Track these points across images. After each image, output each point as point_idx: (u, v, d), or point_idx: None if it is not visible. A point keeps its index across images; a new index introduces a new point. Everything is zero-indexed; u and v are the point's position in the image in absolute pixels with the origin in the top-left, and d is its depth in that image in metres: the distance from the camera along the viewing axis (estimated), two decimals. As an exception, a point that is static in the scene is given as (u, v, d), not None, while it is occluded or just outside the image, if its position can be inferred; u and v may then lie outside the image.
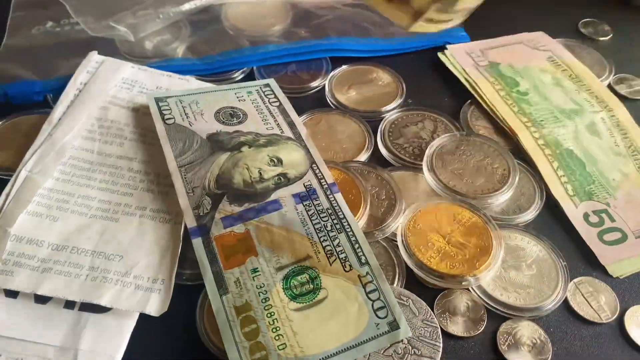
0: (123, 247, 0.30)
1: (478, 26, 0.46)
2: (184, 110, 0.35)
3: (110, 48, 0.42)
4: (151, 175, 0.33)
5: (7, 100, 0.39)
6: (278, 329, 0.27)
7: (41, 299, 0.29)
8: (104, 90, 0.37)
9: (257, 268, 0.29)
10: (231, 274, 0.29)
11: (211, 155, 0.33)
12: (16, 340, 0.27)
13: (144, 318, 0.28)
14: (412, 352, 0.28)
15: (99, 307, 0.28)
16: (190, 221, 0.30)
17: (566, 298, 0.31)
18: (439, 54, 0.44)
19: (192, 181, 0.32)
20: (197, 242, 0.30)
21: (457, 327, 0.30)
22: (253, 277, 0.29)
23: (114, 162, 0.34)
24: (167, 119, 0.35)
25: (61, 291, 0.28)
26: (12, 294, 0.29)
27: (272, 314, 0.28)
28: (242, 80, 0.41)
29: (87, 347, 0.27)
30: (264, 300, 0.28)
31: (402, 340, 0.28)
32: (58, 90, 0.38)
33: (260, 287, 0.29)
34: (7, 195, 0.31)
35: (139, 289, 0.29)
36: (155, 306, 0.28)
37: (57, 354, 0.27)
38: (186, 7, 0.44)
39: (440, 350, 0.28)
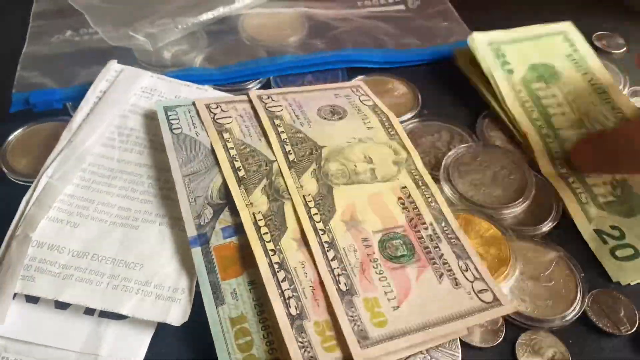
0: (143, 255, 0.31)
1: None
2: (192, 120, 0.35)
3: (128, 57, 0.42)
4: (170, 183, 0.33)
5: (29, 107, 0.39)
6: (272, 342, 0.27)
7: (61, 305, 0.29)
8: (123, 98, 0.38)
9: (254, 280, 0.29)
10: (228, 285, 0.29)
11: (214, 165, 0.33)
12: (36, 345, 0.28)
13: (163, 325, 0.28)
14: (432, 362, 0.28)
15: (118, 314, 0.28)
16: (190, 230, 0.31)
17: (585, 310, 0.31)
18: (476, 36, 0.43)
19: (195, 190, 0.32)
20: (196, 251, 0.30)
21: (475, 338, 0.29)
22: (250, 289, 0.29)
23: (133, 169, 0.34)
24: (174, 129, 0.35)
25: (83, 299, 0.28)
26: (33, 299, 0.29)
27: (267, 327, 0.28)
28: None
29: (107, 353, 0.28)
30: (259, 313, 0.28)
31: (420, 352, 0.28)
32: (77, 98, 0.38)
33: (257, 299, 0.29)
34: (28, 201, 0.32)
35: (160, 299, 0.29)
36: (176, 316, 0.28)
37: (77, 359, 0.27)
38: (204, 17, 0.44)
39: (460, 360, 0.28)
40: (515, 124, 0.40)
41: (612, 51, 0.47)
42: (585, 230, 0.35)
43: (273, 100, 0.38)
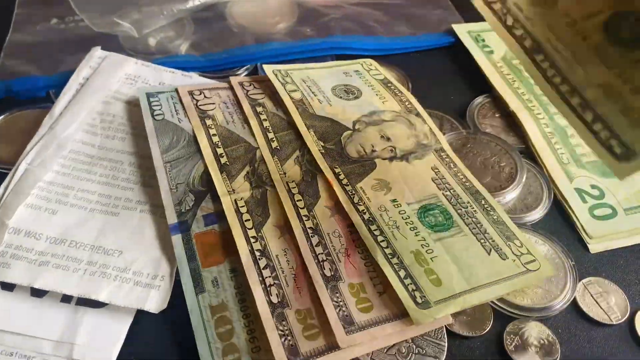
0: (123, 242, 0.30)
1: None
2: (174, 107, 0.35)
3: (114, 44, 0.42)
4: (152, 170, 0.32)
5: (11, 95, 0.39)
6: (253, 331, 0.27)
7: (37, 293, 0.28)
8: (106, 85, 0.37)
9: (235, 268, 0.29)
10: (209, 272, 0.28)
11: (197, 152, 0.33)
12: (11, 333, 0.27)
13: (142, 313, 0.28)
14: (417, 351, 0.27)
15: (96, 302, 0.28)
16: (170, 217, 0.30)
17: (575, 298, 0.30)
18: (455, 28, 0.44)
19: (176, 177, 0.32)
20: (177, 239, 0.29)
21: (462, 327, 0.29)
22: (231, 277, 0.28)
23: (115, 156, 0.34)
24: (156, 115, 0.34)
25: (58, 285, 0.28)
26: (8, 286, 0.28)
27: (249, 315, 0.27)
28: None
29: (83, 342, 0.27)
30: (240, 301, 0.28)
31: (406, 340, 0.28)
32: (61, 85, 0.37)
33: (239, 287, 0.28)
34: (6, 187, 0.31)
35: (138, 285, 0.28)
36: (154, 303, 0.28)
37: (53, 348, 0.27)
38: (190, 4, 0.44)
39: (445, 349, 0.28)
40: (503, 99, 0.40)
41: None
42: (566, 189, 0.34)
43: (255, 87, 0.37)
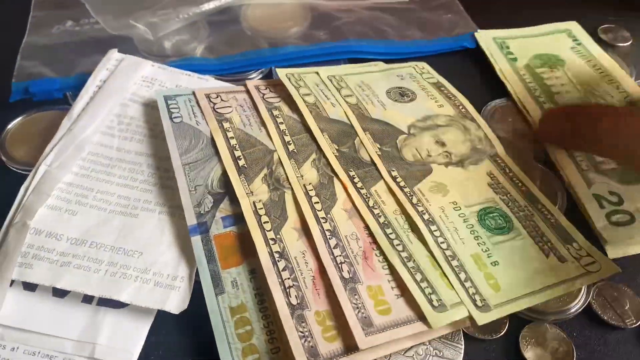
0: (142, 243, 0.30)
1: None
2: (192, 110, 0.35)
3: (129, 47, 0.42)
4: (170, 172, 0.33)
5: (29, 97, 0.39)
6: (272, 332, 0.27)
7: (59, 293, 0.28)
8: (123, 87, 0.37)
9: (254, 269, 0.29)
10: (228, 273, 0.29)
11: (215, 154, 0.33)
12: (34, 333, 0.27)
13: (162, 314, 0.28)
14: (434, 353, 0.28)
15: (117, 302, 0.28)
16: (190, 219, 0.30)
17: (590, 302, 0.30)
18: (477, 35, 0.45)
19: (195, 179, 0.32)
20: (196, 240, 0.30)
21: (478, 329, 0.29)
22: (250, 278, 0.29)
23: (133, 158, 0.34)
24: (174, 117, 0.35)
25: (80, 285, 0.28)
26: (30, 287, 0.28)
27: (268, 316, 0.28)
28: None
29: (105, 342, 0.27)
30: (260, 303, 0.28)
31: (424, 342, 0.28)
32: (77, 87, 0.38)
33: (258, 288, 0.28)
34: (27, 188, 0.31)
35: (159, 286, 0.29)
36: (174, 304, 0.28)
37: (75, 347, 0.27)
38: (205, 7, 0.44)
39: (462, 352, 0.28)
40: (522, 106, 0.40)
41: (618, 44, 0.47)
42: (584, 195, 0.34)
43: (271, 91, 0.37)
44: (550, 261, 0.30)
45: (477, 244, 0.31)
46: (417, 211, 0.31)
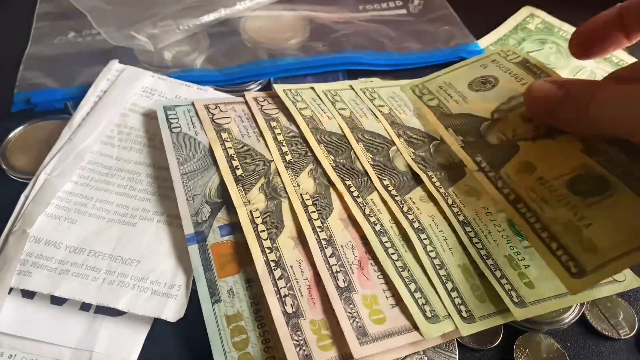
0: (140, 251, 0.31)
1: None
2: (191, 120, 0.35)
3: (130, 58, 0.43)
4: (169, 182, 0.33)
5: (30, 107, 0.39)
6: (268, 340, 0.27)
7: (57, 301, 0.29)
8: (123, 97, 0.38)
9: (251, 278, 0.29)
10: (225, 282, 0.29)
11: (213, 164, 0.34)
12: (31, 340, 0.27)
13: (159, 322, 0.28)
14: (428, 362, 0.28)
15: (114, 310, 0.28)
16: (187, 228, 0.31)
17: (584, 313, 0.31)
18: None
19: (193, 188, 0.32)
20: (193, 249, 0.30)
21: (473, 339, 0.29)
22: (246, 287, 0.29)
23: (132, 167, 0.34)
24: (173, 128, 0.35)
25: (78, 293, 0.28)
26: (29, 294, 0.29)
27: (264, 325, 0.28)
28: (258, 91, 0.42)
29: (102, 350, 0.27)
30: (255, 311, 0.28)
31: (418, 352, 0.28)
32: (78, 98, 0.38)
33: (254, 297, 0.29)
34: (27, 197, 0.32)
35: (156, 295, 0.29)
36: (171, 312, 0.28)
37: (72, 355, 0.27)
38: (205, 19, 0.45)
39: (456, 361, 0.28)
40: None
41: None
42: None
43: (269, 102, 0.38)
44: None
45: (465, 254, 0.31)
46: (408, 219, 0.32)
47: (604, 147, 0.32)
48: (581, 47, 0.34)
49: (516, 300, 0.29)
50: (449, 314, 0.28)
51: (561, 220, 0.30)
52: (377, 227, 0.31)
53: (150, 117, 0.37)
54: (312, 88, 0.39)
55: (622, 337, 0.30)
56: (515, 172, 0.34)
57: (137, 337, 0.28)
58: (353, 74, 0.43)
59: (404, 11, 0.50)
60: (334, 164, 0.34)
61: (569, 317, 0.30)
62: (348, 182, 0.33)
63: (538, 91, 0.34)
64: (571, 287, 0.28)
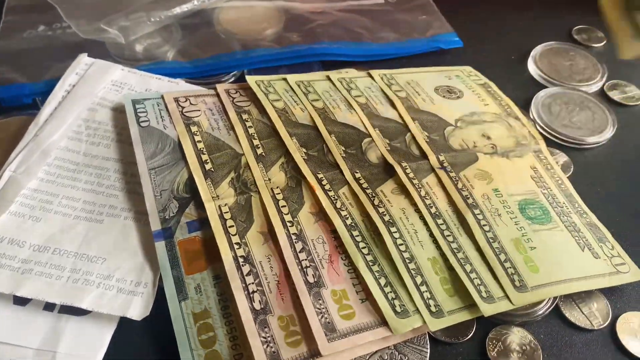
0: (106, 249, 0.30)
1: (471, 30, 0.46)
2: (160, 114, 0.35)
3: (101, 51, 0.42)
4: (137, 177, 0.32)
5: (-3, 102, 0.39)
6: (236, 338, 0.27)
7: (20, 301, 0.28)
8: (92, 91, 0.37)
9: (219, 274, 0.29)
10: (192, 279, 0.29)
11: (182, 159, 0.33)
12: (-7, 342, 0.27)
13: (126, 320, 0.28)
14: (399, 357, 0.28)
15: (79, 309, 0.27)
16: (154, 224, 0.30)
17: (557, 304, 0.30)
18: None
19: (160, 184, 0.32)
20: (160, 246, 0.29)
21: (445, 333, 0.29)
22: (214, 284, 0.28)
23: (100, 163, 0.34)
24: (141, 122, 0.34)
25: (41, 293, 0.28)
26: (-10, 295, 0.28)
27: (231, 322, 0.27)
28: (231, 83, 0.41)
29: (66, 351, 0.27)
30: (223, 308, 0.28)
31: (388, 347, 0.28)
32: (47, 92, 0.37)
33: (222, 294, 0.28)
34: (-10, 195, 0.31)
35: (122, 292, 0.28)
36: (137, 310, 0.28)
37: (35, 357, 0.27)
38: (177, 10, 0.44)
39: (427, 356, 0.28)
40: None
41: (592, 45, 0.47)
42: None
43: (241, 94, 0.37)
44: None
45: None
46: (378, 212, 0.31)
47: (548, 180, 0.35)
48: None
49: (484, 295, 0.28)
50: (417, 309, 0.28)
51: (511, 237, 0.31)
52: (348, 221, 0.31)
53: (119, 112, 0.36)
54: (285, 79, 0.38)
55: (596, 328, 0.30)
56: (473, 177, 0.34)
57: (102, 337, 0.28)
58: (328, 66, 0.43)
59: (381, 0, 0.49)
60: (306, 157, 0.34)
61: (543, 309, 0.30)
62: (320, 176, 0.33)
63: None
64: (514, 298, 0.28)
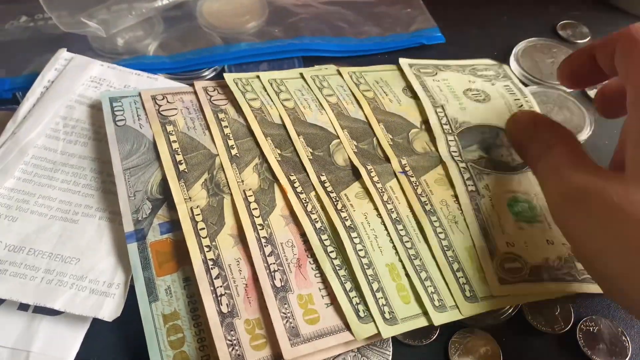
0: (81, 249, 0.31)
1: (454, 26, 0.46)
2: (137, 112, 0.35)
3: (83, 43, 0.42)
4: (113, 177, 0.33)
5: (-24, 97, 0.39)
6: (204, 339, 0.28)
7: (-5, 301, 0.29)
8: (70, 88, 0.37)
9: (189, 277, 0.29)
10: (163, 281, 0.29)
11: (157, 159, 0.33)
12: (-32, 341, 0.28)
13: (98, 320, 0.29)
14: (361, 360, 0.28)
15: (53, 309, 0.28)
16: (127, 225, 0.31)
17: (521, 308, 0.31)
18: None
19: (135, 185, 0.32)
20: (132, 247, 0.30)
21: (408, 336, 0.30)
22: (184, 286, 0.29)
23: (77, 162, 0.34)
24: (118, 121, 0.35)
25: (15, 294, 0.28)
26: (-35, 295, 0.29)
27: (200, 324, 0.28)
28: (210, 79, 0.41)
29: (39, 350, 0.28)
30: (192, 310, 0.28)
31: (351, 350, 0.29)
32: (27, 87, 0.37)
33: (191, 296, 0.29)
34: (-34, 195, 0.32)
35: (94, 293, 0.29)
36: (108, 311, 0.29)
37: (9, 355, 0.28)
38: (159, 3, 0.44)
39: (390, 358, 0.29)
40: None
41: (576, 41, 0.46)
42: None
43: (219, 92, 0.37)
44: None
45: (395, 253, 0.31)
46: (340, 217, 0.32)
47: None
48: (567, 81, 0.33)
49: (437, 304, 0.29)
50: (372, 315, 0.28)
51: (466, 245, 0.31)
52: (318, 225, 0.31)
53: (97, 109, 0.36)
54: (258, 77, 0.38)
55: (557, 332, 0.30)
56: (433, 182, 0.34)
57: (75, 336, 0.29)
58: (310, 60, 0.43)
59: (366, -8, 0.49)
60: (280, 159, 0.34)
61: (505, 313, 0.31)
62: (293, 177, 0.33)
63: (518, 119, 0.34)
64: (463, 309, 0.29)
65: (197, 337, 0.28)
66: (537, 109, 0.39)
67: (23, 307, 0.29)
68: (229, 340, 0.27)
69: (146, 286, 0.29)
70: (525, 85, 0.42)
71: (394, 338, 0.29)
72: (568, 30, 0.47)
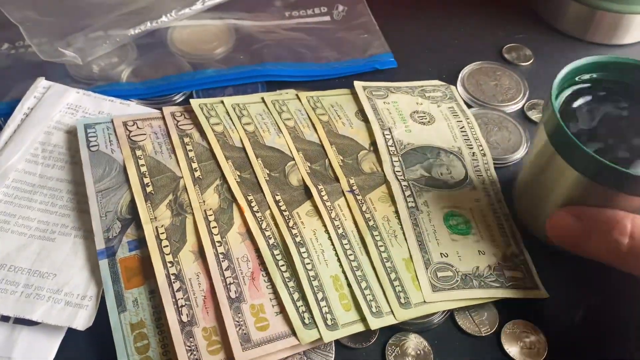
0: (57, 265, 0.34)
1: (404, 50, 0.50)
2: (109, 138, 0.38)
3: (62, 70, 0.45)
4: (87, 198, 0.36)
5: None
6: (167, 345, 0.31)
7: (-21, 313, 0.32)
8: (49, 115, 0.40)
9: (154, 289, 0.33)
10: (130, 293, 0.33)
11: (126, 181, 0.37)
12: (-46, 350, 0.31)
13: (72, 330, 0.32)
14: (306, 362, 0.32)
15: (31, 320, 0.32)
16: (99, 243, 0.34)
17: (452, 312, 0.35)
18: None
19: (106, 206, 0.36)
20: (103, 263, 0.33)
21: (350, 339, 0.33)
22: (150, 298, 0.33)
23: (54, 184, 0.38)
24: (92, 146, 0.38)
25: (-3, 306, 0.32)
26: (-47, 308, 0.32)
27: (163, 332, 0.32)
28: (180, 103, 0.45)
29: (20, 357, 0.31)
30: (157, 320, 0.32)
31: (298, 352, 0.32)
32: (9, 114, 0.41)
33: (156, 307, 0.32)
34: (-48, 217, 0.35)
35: (69, 305, 0.32)
36: (81, 321, 0.32)
37: (-8, 362, 0.31)
38: (131, 32, 0.47)
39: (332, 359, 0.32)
40: None
41: (520, 64, 0.50)
42: None
43: (185, 117, 0.41)
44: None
45: (339, 265, 0.35)
46: (291, 234, 0.35)
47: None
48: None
49: (374, 310, 0.33)
50: (315, 322, 0.32)
51: (403, 256, 0.35)
52: (271, 241, 0.35)
53: (73, 135, 0.40)
54: (222, 102, 0.42)
55: (484, 335, 0.34)
56: (377, 200, 0.38)
57: (51, 344, 0.32)
58: (273, 85, 0.46)
59: (327, 18, 0.52)
60: (239, 180, 0.38)
61: (439, 318, 0.34)
62: (250, 198, 0.37)
63: (557, 224, 0.33)
64: (397, 314, 0.33)
65: (161, 344, 0.31)
66: (477, 129, 0.43)
67: (5, 318, 0.32)
68: (188, 346, 0.31)
69: (115, 298, 0.33)
70: (469, 106, 0.46)
71: (337, 341, 0.33)
72: (513, 53, 0.51)
